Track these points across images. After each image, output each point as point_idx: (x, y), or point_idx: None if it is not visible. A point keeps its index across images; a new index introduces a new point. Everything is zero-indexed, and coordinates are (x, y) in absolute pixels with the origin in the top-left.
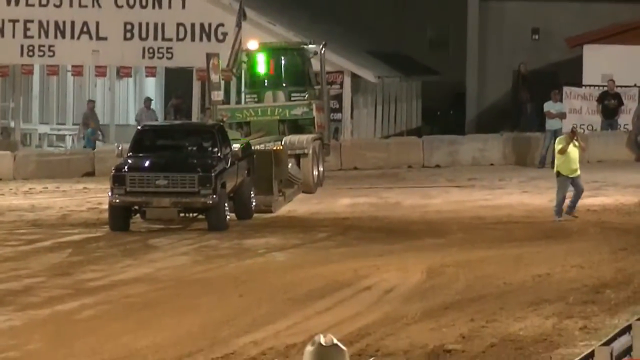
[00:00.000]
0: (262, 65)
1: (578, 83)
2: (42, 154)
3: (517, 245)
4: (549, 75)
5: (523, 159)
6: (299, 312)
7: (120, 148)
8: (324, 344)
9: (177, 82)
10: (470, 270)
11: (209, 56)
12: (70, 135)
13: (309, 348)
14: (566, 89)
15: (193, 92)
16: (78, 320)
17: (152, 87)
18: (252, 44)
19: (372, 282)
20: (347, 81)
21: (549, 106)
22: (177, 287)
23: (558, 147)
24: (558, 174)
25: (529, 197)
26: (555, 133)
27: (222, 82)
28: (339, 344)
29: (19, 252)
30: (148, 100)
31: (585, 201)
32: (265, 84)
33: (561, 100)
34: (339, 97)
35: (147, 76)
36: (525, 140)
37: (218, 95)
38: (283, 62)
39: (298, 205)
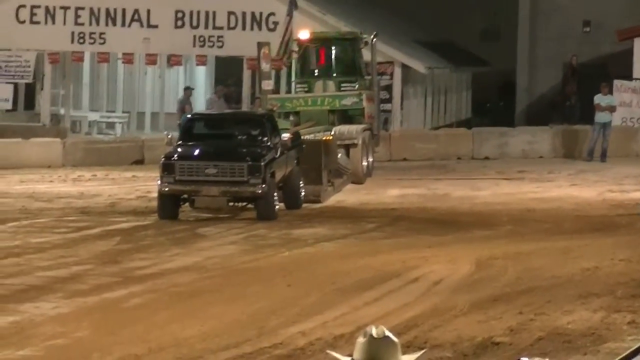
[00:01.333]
0: (312, 55)
1: (629, 76)
2: (92, 141)
3: (566, 238)
4: (599, 68)
5: (572, 151)
6: (347, 302)
7: (170, 136)
8: (375, 335)
9: (228, 71)
10: (519, 262)
11: (259, 45)
12: (119, 122)
13: (361, 339)
14: (616, 82)
15: (243, 81)
16: (126, 308)
17: (202, 76)
18: (303, 34)
19: (421, 273)
20: (398, 72)
21: (598, 99)
22: (225, 276)
23: None
24: None
25: (578, 190)
26: (604, 126)
27: (273, 72)
28: (391, 335)
29: (68, 239)
30: (221, 90)
31: (634, 195)
32: (316, 74)
33: (611, 93)
34: (389, 88)
35: (197, 65)
36: (574, 133)
37: (268, 85)
38: (334, 52)
39: (347, 196)
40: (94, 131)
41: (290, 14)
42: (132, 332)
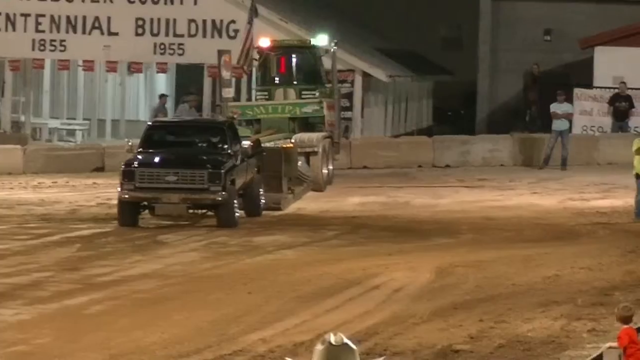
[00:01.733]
0: (273, 63)
1: (589, 84)
2: (52, 148)
3: (527, 246)
4: (561, 76)
5: (533, 159)
6: (307, 310)
7: (130, 144)
8: (334, 342)
9: (188, 79)
10: (480, 270)
11: (220, 53)
12: (80, 129)
13: (319, 347)
14: (577, 91)
15: (204, 88)
16: (87, 315)
17: (162, 83)
18: (263, 41)
19: (381, 281)
20: (359, 80)
21: (555, 107)
22: (186, 284)
23: (635, 147)
24: (637, 175)
25: (539, 198)
26: (562, 134)
27: (233, 79)
28: (349, 342)
29: (28, 246)
30: (194, 99)
31: (595, 203)
32: (277, 82)
33: (568, 101)
34: (349, 96)
35: (158, 72)
36: (535, 141)
37: (229, 92)
38: (294, 59)
39: (307, 203)
40: (54, 138)
41: (250, 22)
42: (93, 339)
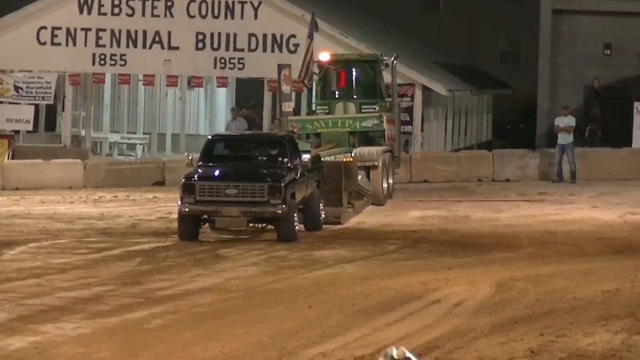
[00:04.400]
0: (333, 77)
1: None
2: (113, 162)
3: (587, 260)
4: (621, 91)
5: (593, 173)
6: (368, 324)
7: (190, 157)
8: (395, 356)
9: (248, 93)
10: (540, 284)
11: (280, 67)
12: (140, 144)
13: None
14: (637, 104)
15: (264, 102)
16: (147, 330)
17: (222, 98)
18: (323, 56)
19: (442, 295)
20: (418, 94)
21: (558, 120)
22: (246, 298)
23: None
24: None
25: (599, 212)
26: (565, 147)
27: (293, 93)
28: (412, 356)
29: (89, 260)
30: (235, 112)
31: None
32: (336, 96)
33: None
34: (409, 110)
35: (218, 86)
36: (595, 155)
37: (289, 106)
38: (354, 74)
39: (367, 217)
40: (114, 152)
41: (311, 36)
42: (154, 353)
